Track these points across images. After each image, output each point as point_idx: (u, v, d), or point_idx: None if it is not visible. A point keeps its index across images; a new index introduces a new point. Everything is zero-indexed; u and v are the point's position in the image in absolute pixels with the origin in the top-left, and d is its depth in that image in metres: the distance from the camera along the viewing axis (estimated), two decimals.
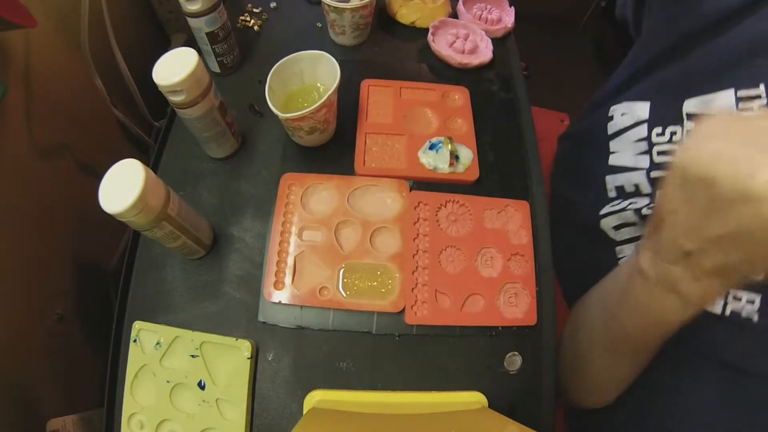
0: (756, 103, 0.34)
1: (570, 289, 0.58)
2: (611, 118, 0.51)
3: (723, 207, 0.22)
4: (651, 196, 0.41)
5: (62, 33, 0.54)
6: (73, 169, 0.56)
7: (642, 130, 0.44)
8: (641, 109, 0.45)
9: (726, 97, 0.36)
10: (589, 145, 0.57)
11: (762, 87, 0.34)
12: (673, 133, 0.41)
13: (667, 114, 0.42)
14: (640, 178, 0.44)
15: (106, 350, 0.44)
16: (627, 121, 0.48)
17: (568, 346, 0.45)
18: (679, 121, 0.40)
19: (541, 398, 0.44)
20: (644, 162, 0.44)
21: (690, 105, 0.39)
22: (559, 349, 0.42)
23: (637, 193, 0.45)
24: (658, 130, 0.42)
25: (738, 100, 0.35)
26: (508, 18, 0.67)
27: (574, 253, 0.57)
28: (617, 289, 0.36)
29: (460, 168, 0.51)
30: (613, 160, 0.49)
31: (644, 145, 0.44)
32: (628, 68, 0.52)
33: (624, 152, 0.48)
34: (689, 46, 0.41)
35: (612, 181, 0.50)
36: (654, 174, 0.42)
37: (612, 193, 0.50)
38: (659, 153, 0.42)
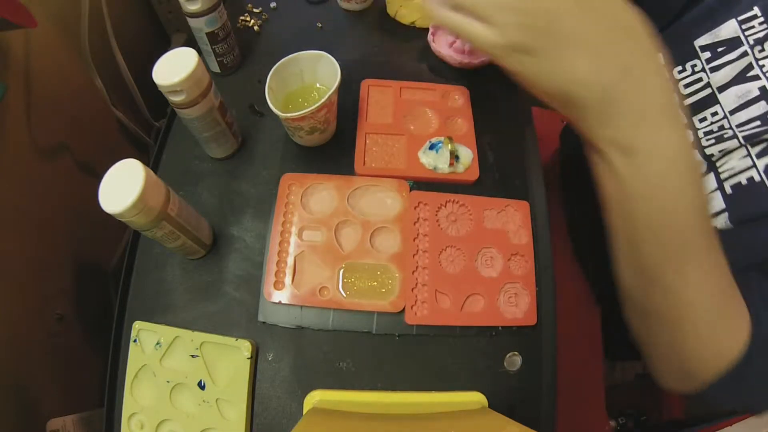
0: (755, 22, 0.38)
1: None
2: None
3: None
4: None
5: (62, 33, 0.54)
6: (73, 169, 0.56)
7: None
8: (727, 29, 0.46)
9: (730, 26, 0.40)
10: None
11: (756, 8, 0.38)
12: (693, 66, 0.43)
13: (681, 53, 0.44)
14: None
15: (106, 350, 0.44)
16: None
17: (636, 332, 0.40)
18: (695, 56, 0.43)
19: (541, 398, 0.44)
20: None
21: (700, 41, 0.42)
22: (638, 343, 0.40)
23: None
24: (678, 68, 0.44)
25: (740, 23, 0.39)
26: None
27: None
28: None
29: (460, 168, 0.51)
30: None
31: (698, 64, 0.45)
32: None
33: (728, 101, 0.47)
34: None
35: None
36: (688, 102, 0.43)
37: None
38: (686, 86, 0.43)
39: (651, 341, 0.38)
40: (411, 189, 0.50)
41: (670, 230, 0.29)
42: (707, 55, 0.42)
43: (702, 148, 0.41)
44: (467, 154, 0.52)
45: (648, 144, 0.28)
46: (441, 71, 0.62)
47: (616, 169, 0.30)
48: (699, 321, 0.32)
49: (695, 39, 0.43)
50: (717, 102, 0.41)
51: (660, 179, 0.29)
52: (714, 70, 0.41)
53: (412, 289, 0.45)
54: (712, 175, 0.41)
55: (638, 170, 0.29)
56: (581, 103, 0.29)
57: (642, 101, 0.28)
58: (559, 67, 0.29)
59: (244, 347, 0.42)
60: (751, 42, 0.39)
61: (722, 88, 0.41)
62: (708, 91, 0.42)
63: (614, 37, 0.28)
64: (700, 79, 0.42)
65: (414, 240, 0.47)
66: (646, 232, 0.30)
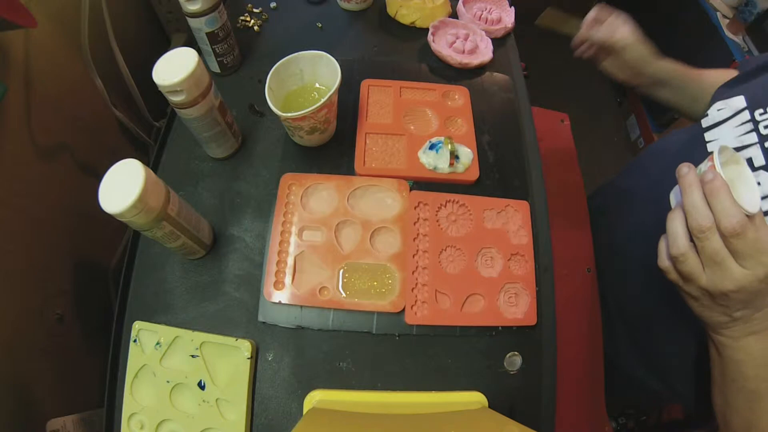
0: None
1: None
2: (705, 115, 0.52)
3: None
4: (765, 167, 0.44)
5: (62, 33, 0.54)
6: (73, 169, 0.56)
7: (743, 116, 0.47)
8: (737, 101, 0.48)
9: None
10: (680, 146, 0.57)
11: None
12: None
13: (764, 97, 0.46)
14: (752, 152, 0.45)
15: (106, 350, 0.44)
16: (725, 114, 0.49)
17: None
18: None
19: (541, 398, 0.44)
20: (751, 139, 0.45)
21: None
22: None
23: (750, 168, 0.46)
24: (759, 110, 0.45)
25: None
26: (508, 18, 0.67)
27: None
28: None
29: (460, 168, 0.51)
30: (711, 147, 0.50)
31: (749, 126, 0.46)
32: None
33: (724, 138, 0.49)
34: None
35: None
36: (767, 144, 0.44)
37: None
38: (766, 126, 0.44)
39: None
40: (411, 189, 0.50)
41: (746, 385, 0.38)
42: None
43: None
44: (467, 154, 0.52)
45: (740, 346, 0.37)
46: (441, 71, 0.62)
47: (714, 344, 0.40)
48: None
49: None
50: None
51: (735, 363, 0.38)
52: None
53: (412, 289, 0.45)
54: None
55: (728, 354, 0.38)
56: (713, 324, 0.38)
57: (755, 327, 0.36)
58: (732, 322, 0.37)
59: (244, 347, 0.42)
60: None
61: None
62: None
63: None
64: None
65: (414, 240, 0.47)
66: (731, 383, 0.39)
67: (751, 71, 0.53)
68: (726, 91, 0.54)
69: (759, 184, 0.42)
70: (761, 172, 0.44)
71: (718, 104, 0.52)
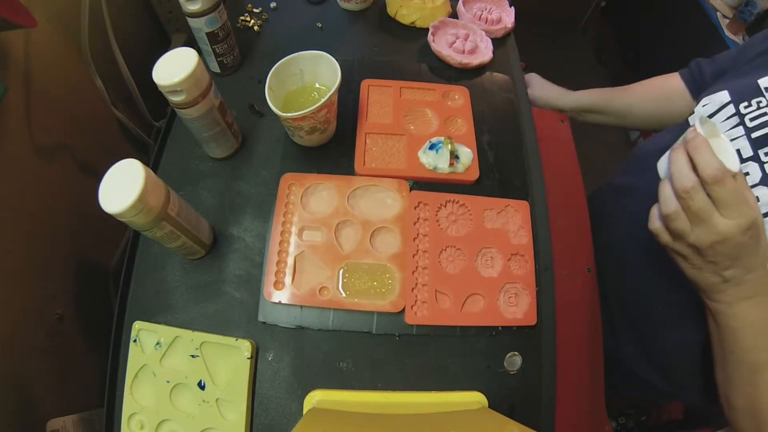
0: None
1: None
2: (692, 113, 0.54)
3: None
4: (753, 158, 0.45)
5: (62, 33, 0.54)
6: (73, 169, 0.56)
7: (728, 110, 0.49)
8: (721, 96, 0.50)
9: None
10: (672, 142, 0.60)
11: None
12: (758, 102, 0.46)
13: (747, 91, 0.47)
14: (740, 144, 0.47)
15: (106, 350, 0.44)
16: (710, 109, 0.51)
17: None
18: (760, 94, 0.47)
19: (541, 398, 0.44)
20: (738, 132, 0.47)
21: (764, 81, 0.47)
22: None
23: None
24: (744, 104, 0.47)
25: None
26: (508, 18, 0.67)
27: None
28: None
29: (460, 168, 0.51)
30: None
31: (735, 120, 0.47)
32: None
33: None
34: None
35: None
36: (754, 135, 0.46)
37: None
38: (752, 119, 0.46)
39: (735, 427, 0.43)
40: (411, 189, 0.50)
41: (745, 356, 0.39)
42: None
43: None
44: (467, 154, 0.52)
45: (734, 312, 0.39)
46: (441, 71, 0.62)
47: (711, 313, 0.42)
48: None
49: (759, 79, 0.48)
50: None
51: (732, 332, 0.40)
52: None
53: (412, 289, 0.45)
54: None
55: (725, 322, 0.40)
56: (706, 287, 0.40)
57: (747, 291, 0.38)
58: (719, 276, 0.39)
59: (244, 347, 0.42)
60: None
61: None
62: None
63: (758, 258, 0.38)
64: (764, 113, 0.46)
65: (414, 240, 0.47)
66: (729, 354, 0.41)
67: (731, 65, 0.55)
68: (709, 87, 0.56)
69: (745, 172, 0.44)
70: (750, 162, 0.45)
71: (704, 100, 0.53)
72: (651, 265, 0.56)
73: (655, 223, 0.41)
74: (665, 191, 0.39)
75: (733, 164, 0.35)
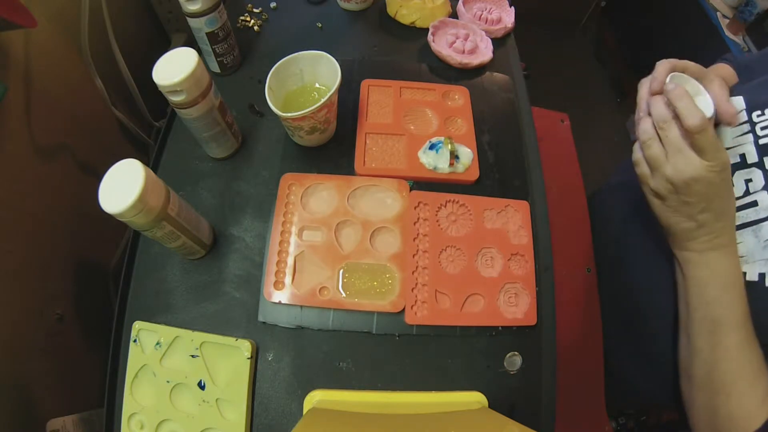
0: None
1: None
2: None
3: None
4: (757, 164, 0.45)
5: (62, 33, 0.54)
6: (73, 169, 0.56)
7: (741, 117, 0.49)
8: (737, 102, 0.50)
9: None
10: None
11: None
12: None
13: (762, 101, 0.48)
14: (746, 149, 0.47)
15: (106, 350, 0.44)
16: None
17: (683, 398, 0.46)
18: None
19: (541, 398, 0.44)
20: (747, 139, 0.47)
21: None
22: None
23: (743, 164, 0.48)
24: (757, 112, 0.47)
25: None
26: (508, 18, 0.67)
27: None
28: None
29: (460, 168, 0.51)
30: None
31: (746, 127, 0.48)
32: None
33: (721, 137, 0.50)
34: None
35: None
36: (762, 141, 0.46)
37: None
38: (763, 128, 0.47)
39: (691, 404, 0.44)
40: (411, 189, 0.50)
41: (707, 313, 0.41)
42: None
43: None
44: (467, 154, 0.52)
45: (704, 261, 0.41)
46: (441, 71, 0.62)
47: (681, 266, 0.44)
48: (732, 388, 0.39)
49: None
50: None
51: (699, 283, 0.42)
52: None
53: (412, 289, 0.45)
54: None
55: (693, 273, 0.42)
56: (680, 233, 0.42)
57: (717, 240, 0.40)
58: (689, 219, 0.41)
59: (244, 347, 0.42)
60: None
61: None
62: None
63: (728, 205, 0.40)
64: None
65: (414, 240, 0.47)
66: (694, 312, 0.42)
67: (751, 71, 0.55)
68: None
69: (748, 178, 0.45)
70: (753, 168, 0.45)
71: None
72: (646, 260, 0.56)
73: (636, 153, 0.43)
74: (645, 123, 0.41)
75: (708, 109, 0.39)
